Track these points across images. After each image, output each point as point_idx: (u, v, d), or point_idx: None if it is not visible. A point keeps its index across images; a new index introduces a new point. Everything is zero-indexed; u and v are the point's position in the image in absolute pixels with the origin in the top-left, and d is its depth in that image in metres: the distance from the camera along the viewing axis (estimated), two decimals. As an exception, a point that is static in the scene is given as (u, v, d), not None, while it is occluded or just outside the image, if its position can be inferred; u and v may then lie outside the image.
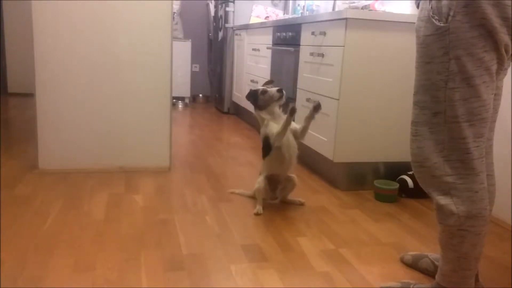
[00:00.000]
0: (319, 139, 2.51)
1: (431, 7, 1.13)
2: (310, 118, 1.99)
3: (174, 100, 5.06)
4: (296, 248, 1.70)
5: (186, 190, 2.30)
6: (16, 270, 1.44)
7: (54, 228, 1.77)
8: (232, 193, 2.27)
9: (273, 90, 2.02)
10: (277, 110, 2.04)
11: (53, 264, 1.49)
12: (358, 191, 2.41)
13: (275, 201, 2.17)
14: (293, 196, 2.18)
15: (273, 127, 1.99)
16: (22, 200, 2.04)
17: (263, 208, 2.05)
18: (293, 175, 2.14)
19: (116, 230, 1.78)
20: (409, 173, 2.35)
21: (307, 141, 2.70)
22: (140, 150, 2.58)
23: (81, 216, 1.90)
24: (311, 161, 2.80)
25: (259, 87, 2.08)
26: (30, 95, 3.32)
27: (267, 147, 2.02)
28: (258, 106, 2.04)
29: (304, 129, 2.03)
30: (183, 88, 5.28)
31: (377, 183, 2.31)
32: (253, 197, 2.17)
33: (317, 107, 1.93)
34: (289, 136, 2.00)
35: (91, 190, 2.23)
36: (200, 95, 5.71)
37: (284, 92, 2.02)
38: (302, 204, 2.16)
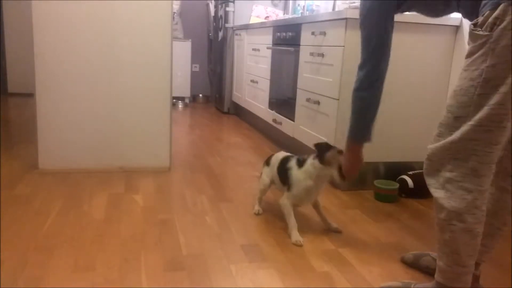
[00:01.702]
0: (319, 139, 2.51)
1: (477, 22, 1.17)
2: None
3: (174, 100, 5.06)
4: (296, 248, 1.70)
5: (186, 190, 2.30)
6: (16, 270, 1.44)
7: (54, 228, 1.77)
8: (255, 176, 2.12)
9: (342, 160, 1.78)
10: (325, 182, 1.87)
11: (53, 264, 1.49)
12: (358, 191, 2.41)
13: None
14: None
15: (303, 183, 1.81)
16: (22, 200, 2.04)
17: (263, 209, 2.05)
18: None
19: (116, 230, 1.78)
20: (409, 173, 2.35)
21: (307, 141, 2.70)
22: (140, 150, 2.58)
23: (81, 216, 1.90)
24: (311, 161, 2.80)
25: (335, 146, 1.86)
26: (30, 95, 3.32)
27: (287, 185, 1.86)
28: (321, 159, 1.80)
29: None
30: (183, 88, 5.28)
31: (377, 183, 2.31)
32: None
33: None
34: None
35: (91, 190, 2.23)
36: (200, 95, 5.71)
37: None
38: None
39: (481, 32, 1.15)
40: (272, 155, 2.07)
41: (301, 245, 1.73)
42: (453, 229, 1.22)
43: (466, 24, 2.30)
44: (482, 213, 1.21)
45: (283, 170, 1.91)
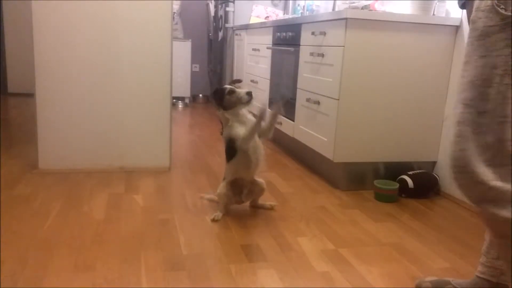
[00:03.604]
0: (319, 139, 2.51)
1: None
2: (273, 119, 1.91)
3: (174, 100, 5.06)
4: (296, 248, 1.70)
5: (186, 190, 2.30)
6: (16, 270, 1.44)
7: (54, 228, 1.77)
8: (201, 198, 2.16)
9: (242, 91, 1.88)
10: (244, 111, 1.90)
11: (53, 264, 1.49)
12: (358, 191, 2.41)
13: (241, 204, 2.05)
14: (285, 199, 2.09)
15: (239, 129, 1.85)
16: (22, 200, 2.04)
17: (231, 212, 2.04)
18: (261, 180, 2.02)
19: (116, 230, 1.78)
20: (409, 173, 2.35)
21: (307, 141, 2.70)
22: (140, 150, 2.58)
23: (81, 216, 1.90)
24: (311, 161, 2.80)
25: (227, 86, 1.93)
26: (30, 95, 3.32)
27: (231, 150, 1.88)
28: (223, 106, 1.88)
29: (269, 128, 1.92)
30: (183, 88, 5.28)
31: (377, 183, 2.31)
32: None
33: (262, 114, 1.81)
34: (256, 138, 1.88)
35: (91, 190, 2.23)
36: (200, 95, 5.71)
37: (253, 95, 1.88)
38: (272, 208, 2.08)
39: (503, 11, 1.00)
40: None
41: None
42: None
43: (466, 24, 2.29)
44: None
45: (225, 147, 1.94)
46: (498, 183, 1.04)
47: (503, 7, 1.00)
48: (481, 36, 1.05)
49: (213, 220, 1.91)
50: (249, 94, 1.87)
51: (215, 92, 1.91)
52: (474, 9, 1.09)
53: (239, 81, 2.05)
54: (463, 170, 1.08)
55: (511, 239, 1.07)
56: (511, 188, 1.04)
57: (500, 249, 1.13)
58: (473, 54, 1.07)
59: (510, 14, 0.99)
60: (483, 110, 1.04)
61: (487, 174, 1.05)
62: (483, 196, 1.07)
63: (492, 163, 1.05)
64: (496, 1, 1.02)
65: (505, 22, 1.00)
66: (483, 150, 1.05)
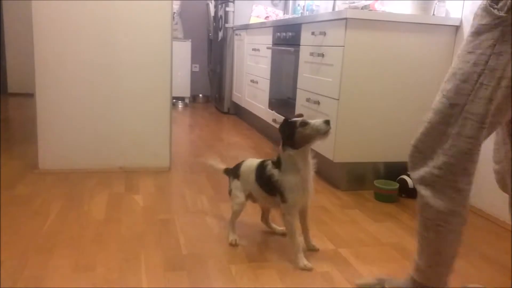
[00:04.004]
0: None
1: None
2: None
3: (174, 100, 5.06)
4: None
5: (186, 190, 2.30)
6: (16, 270, 1.44)
7: (54, 228, 1.77)
8: (204, 161, 1.93)
9: (318, 121, 1.49)
10: (310, 155, 1.56)
11: (53, 264, 1.49)
12: (358, 191, 2.41)
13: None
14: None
15: (293, 186, 1.52)
16: (22, 200, 2.04)
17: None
18: None
19: (116, 230, 1.78)
20: (409, 173, 2.35)
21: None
22: (140, 150, 2.58)
23: (81, 216, 1.90)
24: (311, 161, 2.80)
25: (294, 118, 1.54)
26: (30, 95, 3.31)
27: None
28: (291, 143, 1.51)
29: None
30: (183, 88, 5.28)
31: (377, 183, 2.31)
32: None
33: None
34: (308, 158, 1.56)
35: (91, 190, 2.23)
36: (200, 95, 5.71)
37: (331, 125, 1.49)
38: (283, 234, 1.77)
39: (496, 11, 1.01)
40: (239, 164, 1.75)
41: (310, 269, 1.53)
42: (439, 230, 1.16)
43: (466, 24, 2.30)
44: (467, 213, 1.16)
45: (265, 179, 1.59)
46: (438, 171, 1.13)
47: (496, 7, 1.01)
48: (474, 33, 1.07)
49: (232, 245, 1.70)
50: (327, 122, 1.48)
51: (285, 124, 1.52)
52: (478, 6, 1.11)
53: (302, 115, 1.60)
54: (419, 151, 1.18)
55: (432, 230, 1.16)
56: (448, 179, 1.12)
57: (417, 225, 1.22)
58: (464, 49, 1.10)
59: (502, 15, 1.00)
60: (455, 102, 1.10)
61: (437, 161, 1.13)
62: (422, 177, 1.17)
63: (446, 153, 1.12)
64: (489, 1, 1.03)
65: (495, 22, 1.02)
66: (444, 139, 1.12)
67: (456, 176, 1.12)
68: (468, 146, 1.10)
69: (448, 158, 1.12)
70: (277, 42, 3.34)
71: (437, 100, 1.15)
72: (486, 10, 1.05)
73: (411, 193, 2.31)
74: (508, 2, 0.99)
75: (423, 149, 1.18)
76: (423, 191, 1.17)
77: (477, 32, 1.06)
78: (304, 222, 1.66)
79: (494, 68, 1.03)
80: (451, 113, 1.11)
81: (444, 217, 1.14)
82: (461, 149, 1.11)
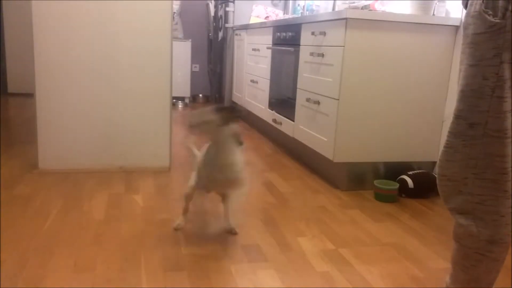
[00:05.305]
0: (319, 139, 2.51)
1: (483, 1, 0.96)
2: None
3: (174, 100, 5.05)
4: (296, 248, 1.70)
5: (186, 190, 2.29)
6: (16, 270, 1.44)
7: (54, 228, 1.77)
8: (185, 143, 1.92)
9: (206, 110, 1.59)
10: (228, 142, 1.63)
11: (53, 264, 1.49)
12: (358, 191, 2.41)
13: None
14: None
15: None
16: (22, 200, 2.04)
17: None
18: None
19: (116, 230, 1.78)
20: (409, 173, 2.35)
21: (307, 141, 2.70)
22: (140, 150, 2.58)
23: (81, 216, 1.90)
24: (311, 161, 2.80)
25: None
26: (30, 95, 3.31)
27: None
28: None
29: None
30: (183, 88, 5.27)
31: (377, 183, 2.31)
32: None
33: None
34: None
35: (91, 190, 2.23)
36: (200, 95, 5.70)
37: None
38: (231, 232, 1.80)
39: (491, 18, 0.95)
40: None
41: (181, 228, 1.78)
42: (479, 258, 1.07)
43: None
44: (510, 239, 1.06)
45: None
46: (476, 198, 1.04)
47: (491, 13, 0.95)
48: (471, 44, 1.00)
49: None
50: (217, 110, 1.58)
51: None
52: (465, 15, 1.04)
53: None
54: (448, 179, 1.08)
55: (473, 259, 1.07)
56: (489, 204, 1.03)
57: (452, 252, 1.14)
58: (465, 63, 1.03)
59: (498, 20, 0.94)
60: (473, 122, 1.01)
61: (473, 187, 1.04)
62: (459, 206, 1.07)
63: (481, 177, 1.03)
64: (483, 7, 0.96)
65: (493, 29, 0.95)
66: (474, 163, 1.03)
67: (497, 199, 1.04)
68: (502, 165, 1.02)
69: (484, 182, 1.03)
70: (277, 42, 3.34)
71: (453, 122, 1.06)
72: (480, 18, 0.97)
73: (411, 193, 2.31)
74: (500, 5, 0.93)
75: (452, 176, 1.08)
76: (462, 220, 1.08)
77: (475, 43, 0.99)
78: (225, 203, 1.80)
79: (508, 78, 0.96)
80: (472, 134, 1.02)
81: (487, 247, 1.06)
82: (495, 170, 1.02)
